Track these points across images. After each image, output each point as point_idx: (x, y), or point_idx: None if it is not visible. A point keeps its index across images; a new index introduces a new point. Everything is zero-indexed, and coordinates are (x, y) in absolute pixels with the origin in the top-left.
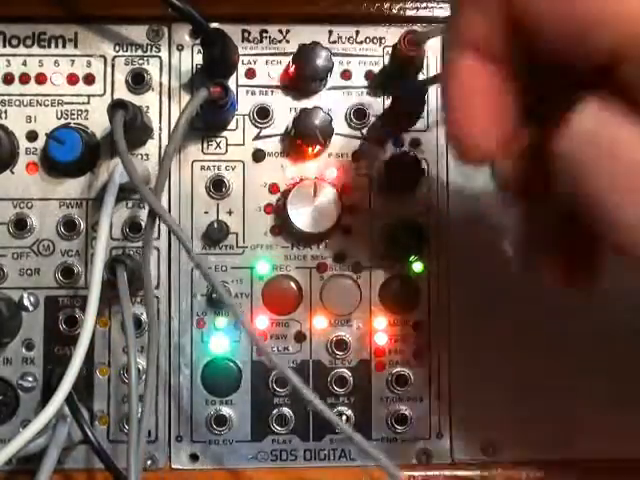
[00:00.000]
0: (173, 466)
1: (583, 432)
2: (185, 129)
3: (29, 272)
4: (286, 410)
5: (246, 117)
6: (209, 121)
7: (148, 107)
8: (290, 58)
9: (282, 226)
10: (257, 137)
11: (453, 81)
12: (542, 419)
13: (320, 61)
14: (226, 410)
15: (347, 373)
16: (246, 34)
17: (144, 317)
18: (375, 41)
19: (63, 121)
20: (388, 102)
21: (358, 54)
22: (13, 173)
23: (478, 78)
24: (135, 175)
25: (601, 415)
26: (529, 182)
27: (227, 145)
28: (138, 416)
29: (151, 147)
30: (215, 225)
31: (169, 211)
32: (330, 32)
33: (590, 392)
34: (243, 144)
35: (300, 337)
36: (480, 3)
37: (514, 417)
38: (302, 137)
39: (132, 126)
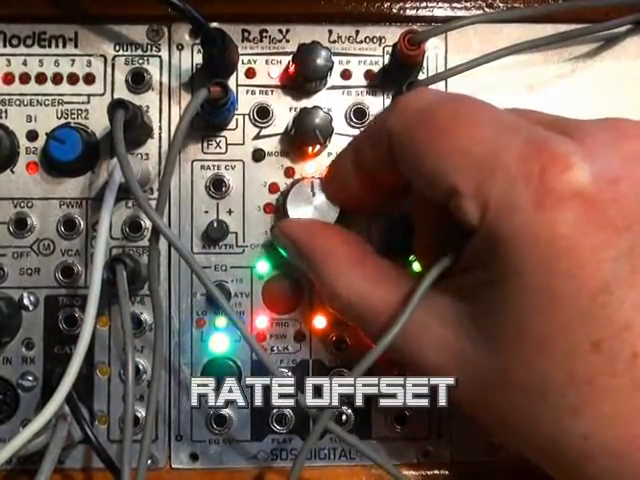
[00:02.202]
0: (173, 466)
1: None
2: (186, 132)
3: (29, 271)
4: (286, 410)
5: (246, 117)
6: (209, 121)
7: (148, 107)
8: (290, 58)
9: None
10: (257, 137)
11: (339, 158)
12: None
13: (320, 61)
14: (226, 410)
15: (347, 373)
16: (246, 34)
17: (144, 317)
18: (375, 41)
19: (63, 121)
20: (388, 102)
21: (358, 54)
22: (13, 173)
23: (348, 166)
24: (132, 178)
25: None
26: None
27: (227, 145)
28: (139, 415)
29: (151, 147)
30: (215, 224)
31: (169, 211)
32: (330, 32)
33: None
34: (243, 144)
35: (300, 337)
36: (374, 140)
37: None
38: (302, 137)
39: (132, 126)
